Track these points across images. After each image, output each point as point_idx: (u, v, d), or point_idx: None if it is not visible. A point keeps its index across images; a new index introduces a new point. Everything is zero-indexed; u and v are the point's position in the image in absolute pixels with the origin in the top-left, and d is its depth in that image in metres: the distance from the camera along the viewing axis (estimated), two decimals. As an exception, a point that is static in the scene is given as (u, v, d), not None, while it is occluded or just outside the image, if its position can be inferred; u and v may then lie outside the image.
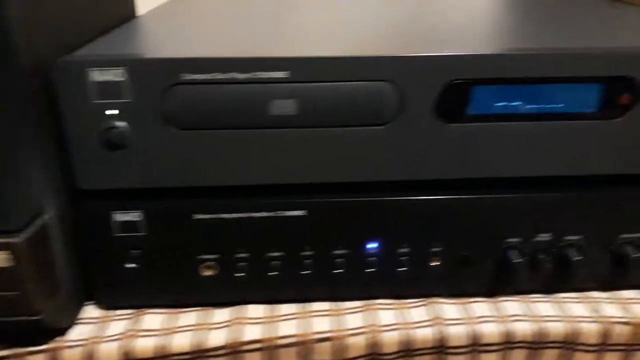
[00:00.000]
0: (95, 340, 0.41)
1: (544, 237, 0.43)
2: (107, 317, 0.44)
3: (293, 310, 0.45)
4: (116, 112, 0.36)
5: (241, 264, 0.43)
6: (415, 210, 0.42)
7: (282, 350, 0.42)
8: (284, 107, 0.37)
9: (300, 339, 0.42)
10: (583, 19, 0.51)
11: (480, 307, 0.45)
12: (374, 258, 0.43)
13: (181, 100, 0.36)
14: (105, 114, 0.36)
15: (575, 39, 0.43)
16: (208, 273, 0.43)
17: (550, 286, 0.46)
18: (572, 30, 0.46)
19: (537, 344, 0.43)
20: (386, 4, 0.58)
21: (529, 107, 0.38)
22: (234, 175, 0.39)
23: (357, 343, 0.42)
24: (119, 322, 0.43)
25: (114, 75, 0.35)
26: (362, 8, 0.55)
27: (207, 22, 0.50)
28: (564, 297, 0.46)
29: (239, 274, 0.43)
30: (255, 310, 0.45)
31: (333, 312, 0.45)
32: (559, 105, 0.38)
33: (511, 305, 0.46)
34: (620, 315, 0.44)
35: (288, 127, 0.37)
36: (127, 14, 0.55)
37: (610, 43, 0.39)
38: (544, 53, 0.37)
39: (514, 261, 0.43)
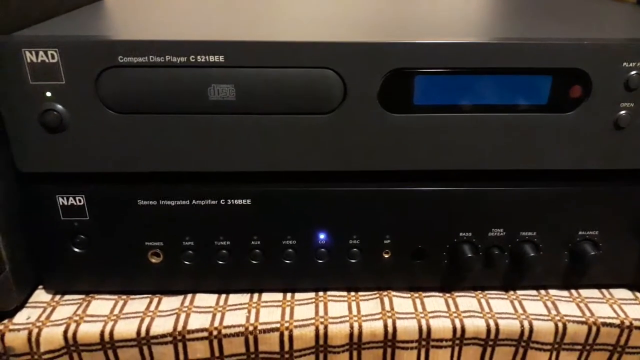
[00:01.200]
0: (39, 324, 0.41)
1: (498, 232, 0.42)
2: (56, 302, 0.44)
3: (244, 301, 0.44)
4: (52, 94, 0.35)
5: (188, 252, 0.42)
6: (364, 202, 0.41)
7: (228, 339, 0.41)
8: (223, 92, 0.36)
9: (247, 329, 0.41)
10: (552, 12, 0.50)
11: (434, 301, 0.45)
12: (324, 249, 0.42)
13: (117, 83, 0.35)
14: (41, 95, 0.35)
15: (532, 30, 0.42)
16: (155, 260, 0.42)
17: (507, 283, 0.45)
18: (533, 22, 0.45)
19: (490, 340, 0.42)
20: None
21: (478, 99, 0.37)
22: (175, 161, 0.38)
23: (305, 335, 0.42)
24: (66, 307, 0.43)
25: (48, 56, 0.34)
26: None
27: (165, 7, 0.49)
28: (521, 295, 0.45)
29: (187, 262, 0.42)
30: (205, 299, 0.44)
31: (284, 303, 0.44)
32: (509, 98, 0.37)
33: (466, 300, 0.45)
34: (577, 314, 0.43)
35: (228, 113, 0.37)
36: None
37: (565, 35, 0.38)
38: (488, 42, 0.35)
39: (465, 256, 0.42)
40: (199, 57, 0.35)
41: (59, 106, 0.36)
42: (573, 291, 0.46)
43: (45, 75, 0.35)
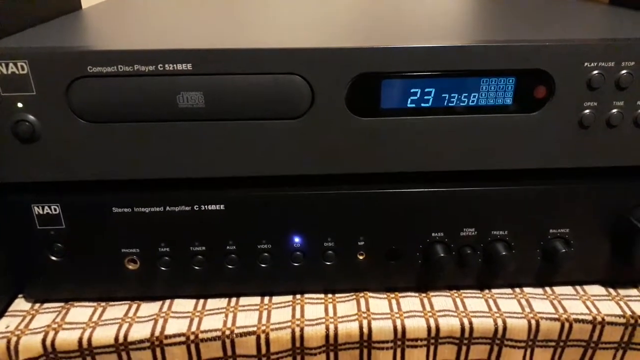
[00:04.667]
0: (18, 333, 0.41)
1: (469, 231, 0.43)
2: (35, 310, 0.44)
3: (222, 305, 0.45)
4: (23, 105, 0.36)
5: (165, 258, 0.43)
6: (337, 204, 0.41)
7: (206, 344, 0.42)
8: (192, 99, 0.37)
9: (224, 333, 0.42)
10: (523, 14, 0.51)
11: (410, 301, 0.45)
12: (299, 253, 0.43)
13: (87, 93, 0.36)
14: (13, 107, 0.36)
15: (499, 32, 0.42)
16: (132, 267, 0.43)
17: (482, 282, 0.45)
18: (502, 24, 0.46)
19: (465, 339, 0.43)
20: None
21: (444, 101, 0.38)
22: (148, 169, 0.39)
23: (282, 337, 0.42)
24: (45, 315, 0.44)
25: (18, 68, 0.35)
26: (299, 8, 0.55)
27: (139, 16, 0.50)
28: (496, 293, 0.46)
29: (163, 268, 0.43)
30: (183, 304, 0.45)
31: (261, 307, 0.44)
32: (474, 99, 0.38)
33: (441, 300, 0.45)
34: (550, 311, 0.44)
35: (198, 119, 0.37)
36: (72, 7, 0.56)
37: (531, 37, 0.39)
38: (452, 46, 0.36)
39: (438, 255, 0.42)
40: (167, 65, 0.35)
41: (31, 117, 0.36)
42: (547, 288, 0.46)
43: (16, 87, 0.35)
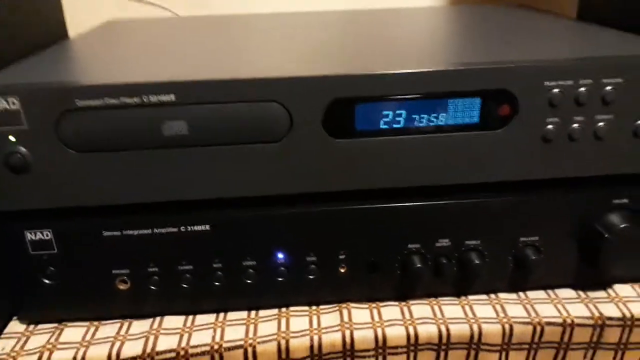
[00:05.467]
0: (14, 354, 0.43)
1: (444, 242, 0.45)
2: (30, 331, 0.46)
3: (210, 320, 0.47)
4: (15, 138, 0.38)
5: (154, 277, 0.45)
6: (317, 221, 0.44)
7: (195, 358, 0.44)
8: (176, 128, 0.39)
9: (212, 347, 0.43)
10: (490, 33, 0.53)
11: (391, 310, 0.47)
12: (283, 268, 0.45)
13: (75, 125, 0.38)
14: (5, 140, 0.38)
15: (466, 54, 0.45)
16: (123, 287, 0.45)
17: (458, 289, 0.48)
18: (469, 46, 0.48)
19: (443, 345, 0.45)
20: (304, 25, 0.60)
21: (415, 122, 0.40)
22: (135, 193, 0.41)
23: (268, 350, 0.44)
24: (40, 336, 0.45)
25: (9, 103, 0.37)
26: (273, 38, 0.57)
27: (121, 49, 0.52)
28: (472, 300, 0.48)
29: (153, 287, 0.45)
30: (173, 321, 0.47)
31: (248, 321, 0.46)
32: (443, 119, 0.40)
33: (420, 308, 0.47)
34: (523, 315, 0.46)
35: (182, 146, 0.39)
36: (58, 36, 0.57)
37: (495, 57, 0.41)
38: (419, 72, 0.39)
39: (415, 266, 0.44)
40: (151, 97, 0.38)
41: (23, 149, 0.38)
42: (521, 293, 0.49)
43: (8, 121, 0.37)
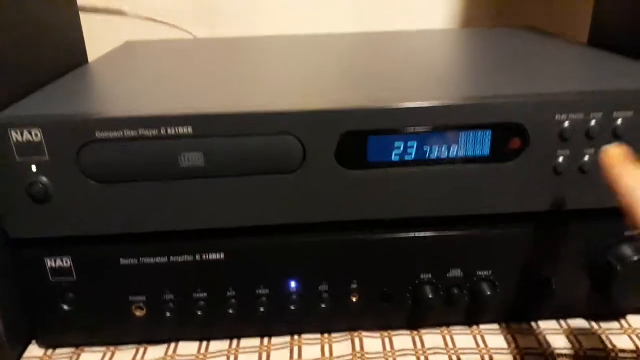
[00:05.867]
0: (32, 378, 0.44)
1: (456, 272, 0.45)
2: (48, 356, 0.47)
3: (223, 347, 0.47)
4: (37, 169, 0.39)
5: (169, 304, 0.45)
6: (330, 250, 0.44)
7: (209, 385, 0.44)
8: (193, 159, 0.40)
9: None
10: (501, 63, 0.54)
11: (402, 340, 0.48)
12: (296, 296, 0.46)
13: (95, 156, 0.39)
14: (27, 170, 0.39)
15: (477, 87, 0.45)
16: (139, 313, 0.46)
17: (470, 318, 0.48)
18: (481, 78, 0.48)
19: (454, 375, 0.45)
20: (318, 55, 0.61)
21: (426, 153, 0.41)
22: (152, 222, 0.42)
23: (281, 377, 0.45)
24: (57, 360, 0.46)
25: (32, 135, 0.38)
26: (287, 64, 0.58)
27: (139, 75, 0.53)
28: (484, 329, 0.48)
29: (168, 314, 0.46)
30: (187, 347, 0.48)
31: (261, 348, 0.47)
32: (454, 151, 0.41)
33: (432, 337, 0.48)
34: (535, 345, 0.46)
35: (198, 177, 0.40)
36: (79, 61, 0.59)
37: (505, 90, 0.42)
38: (431, 106, 0.39)
39: (427, 297, 0.45)
40: (169, 129, 0.39)
41: (44, 178, 0.39)
42: (533, 323, 0.49)
43: (30, 152, 0.39)
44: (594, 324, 0.49)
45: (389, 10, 0.84)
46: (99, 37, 0.72)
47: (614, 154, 0.36)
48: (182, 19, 0.82)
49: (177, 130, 0.39)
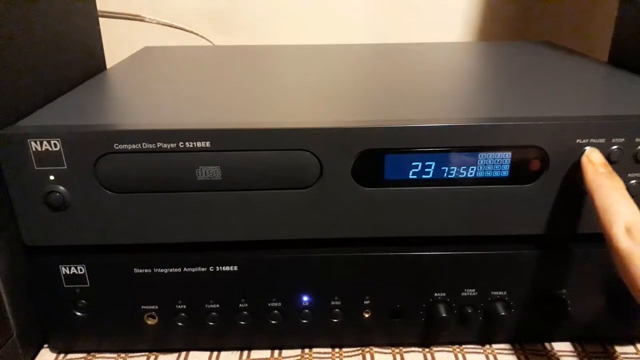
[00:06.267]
0: (44, 384, 0.44)
1: (470, 292, 0.45)
2: (60, 361, 0.47)
3: (234, 359, 0.48)
4: (55, 178, 0.39)
5: (182, 314, 0.45)
6: (343, 266, 0.44)
7: (219, 396, 0.44)
8: (210, 173, 0.40)
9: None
10: (519, 83, 0.53)
11: (413, 357, 0.47)
12: (308, 310, 0.46)
13: (113, 168, 0.39)
14: (45, 179, 0.39)
15: (496, 109, 0.45)
16: (151, 322, 0.46)
17: (483, 338, 0.48)
18: (500, 98, 0.48)
19: (465, 395, 0.45)
20: (338, 71, 0.61)
21: (444, 173, 0.41)
22: (167, 234, 0.42)
23: (291, 391, 0.45)
24: (69, 366, 0.46)
25: (51, 145, 0.38)
26: (305, 76, 0.58)
27: (158, 85, 0.54)
28: (496, 348, 0.48)
29: (180, 324, 0.46)
30: (198, 357, 0.48)
31: (271, 360, 0.47)
32: (472, 172, 0.41)
33: (443, 355, 0.47)
34: (548, 368, 0.46)
35: (215, 190, 0.40)
36: (97, 68, 0.60)
37: (525, 113, 0.41)
38: (450, 125, 0.39)
39: (441, 315, 0.45)
40: (187, 143, 0.39)
41: (62, 188, 0.40)
42: (547, 344, 0.48)
43: (49, 161, 0.39)
44: (609, 347, 0.48)
45: (406, 22, 0.84)
46: (117, 42, 0.72)
47: (595, 159, 0.39)
48: (200, 25, 0.82)
49: (195, 144, 0.39)
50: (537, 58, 0.64)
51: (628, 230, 0.34)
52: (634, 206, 0.36)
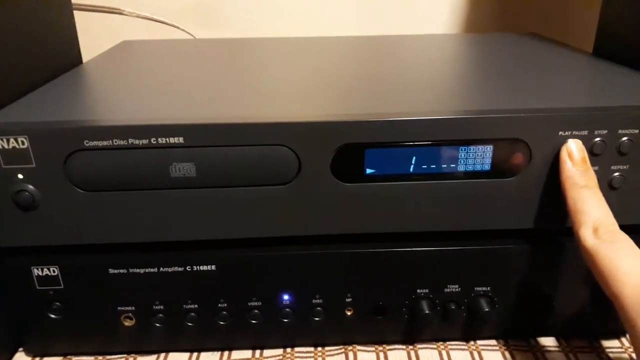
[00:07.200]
0: (18, 388, 0.43)
1: (453, 288, 0.44)
2: (35, 364, 0.46)
3: (214, 359, 0.46)
4: (24, 176, 0.38)
5: (159, 315, 0.44)
6: (324, 263, 0.43)
7: (198, 398, 0.43)
8: (184, 169, 0.38)
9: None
10: (505, 75, 0.52)
11: (397, 354, 0.47)
12: (289, 309, 0.45)
13: (84, 165, 0.38)
14: (14, 178, 0.38)
15: (479, 100, 0.44)
16: (128, 323, 0.45)
17: (467, 334, 0.47)
18: (483, 90, 0.47)
19: (450, 392, 0.44)
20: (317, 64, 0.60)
21: (425, 168, 0.40)
22: (143, 232, 0.40)
23: (272, 392, 0.44)
24: (44, 370, 0.45)
25: (18, 142, 0.37)
26: (286, 69, 0.57)
27: (133, 80, 0.52)
28: (481, 345, 0.47)
29: (158, 325, 0.45)
30: (177, 358, 0.47)
31: (252, 361, 0.46)
32: (453, 166, 0.40)
33: (427, 353, 0.47)
34: (532, 364, 0.45)
35: (190, 187, 0.39)
36: (73, 62, 0.58)
37: (508, 105, 0.40)
38: (430, 118, 0.38)
39: (424, 312, 0.44)
40: (160, 139, 0.37)
41: (30, 187, 0.38)
42: (531, 340, 0.48)
43: (17, 159, 0.37)
44: (594, 342, 0.47)
45: (392, 14, 0.83)
46: (96, 37, 0.70)
47: (575, 153, 0.38)
48: (181, 18, 0.80)
49: (168, 140, 0.38)
50: (522, 50, 0.63)
51: (595, 230, 0.36)
52: (605, 206, 0.37)
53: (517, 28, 0.85)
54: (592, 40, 0.62)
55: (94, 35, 0.70)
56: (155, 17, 0.79)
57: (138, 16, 0.79)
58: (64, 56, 0.56)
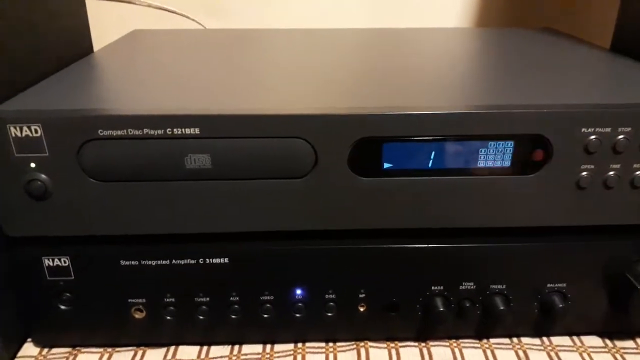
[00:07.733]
0: (27, 379, 0.42)
1: (468, 285, 0.43)
2: (43, 355, 0.45)
3: (225, 353, 0.46)
4: (36, 165, 0.37)
5: (170, 308, 0.44)
6: (338, 258, 0.43)
7: (209, 392, 0.43)
8: (199, 161, 0.38)
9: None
10: (524, 71, 0.51)
11: (409, 352, 0.46)
12: (301, 304, 0.44)
13: (98, 154, 0.37)
14: (26, 167, 0.37)
15: (499, 95, 0.43)
16: (138, 316, 0.44)
17: (480, 332, 0.46)
18: (503, 85, 0.46)
19: (463, 390, 0.44)
20: (336, 56, 0.59)
21: (444, 163, 0.39)
22: (156, 224, 0.40)
23: (283, 387, 0.43)
24: (53, 361, 0.45)
25: (32, 131, 0.36)
26: (300, 61, 0.56)
27: (146, 69, 0.51)
28: (494, 343, 0.47)
29: (169, 317, 0.44)
30: (187, 351, 0.46)
31: (263, 355, 0.45)
32: (473, 162, 0.39)
33: (440, 350, 0.46)
34: (547, 363, 0.44)
35: (205, 179, 0.38)
36: (84, 51, 0.57)
37: (529, 100, 0.40)
38: (451, 112, 0.37)
39: (438, 309, 0.43)
40: (175, 130, 0.37)
41: (43, 176, 0.38)
42: (545, 339, 0.47)
43: (30, 148, 0.37)
44: (608, 341, 0.47)
45: (404, 6, 0.82)
46: (107, 26, 0.70)
47: None
48: (192, 8, 0.79)
49: (183, 131, 0.37)
50: (537, 45, 0.62)
51: None
52: None
53: (529, 22, 0.84)
54: (605, 36, 0.61)
55: (105, 25, 0.70)
56: (165, 6, 0.78)
57: (149, 5, 0.78)
58: (76, 45, 0.56)
